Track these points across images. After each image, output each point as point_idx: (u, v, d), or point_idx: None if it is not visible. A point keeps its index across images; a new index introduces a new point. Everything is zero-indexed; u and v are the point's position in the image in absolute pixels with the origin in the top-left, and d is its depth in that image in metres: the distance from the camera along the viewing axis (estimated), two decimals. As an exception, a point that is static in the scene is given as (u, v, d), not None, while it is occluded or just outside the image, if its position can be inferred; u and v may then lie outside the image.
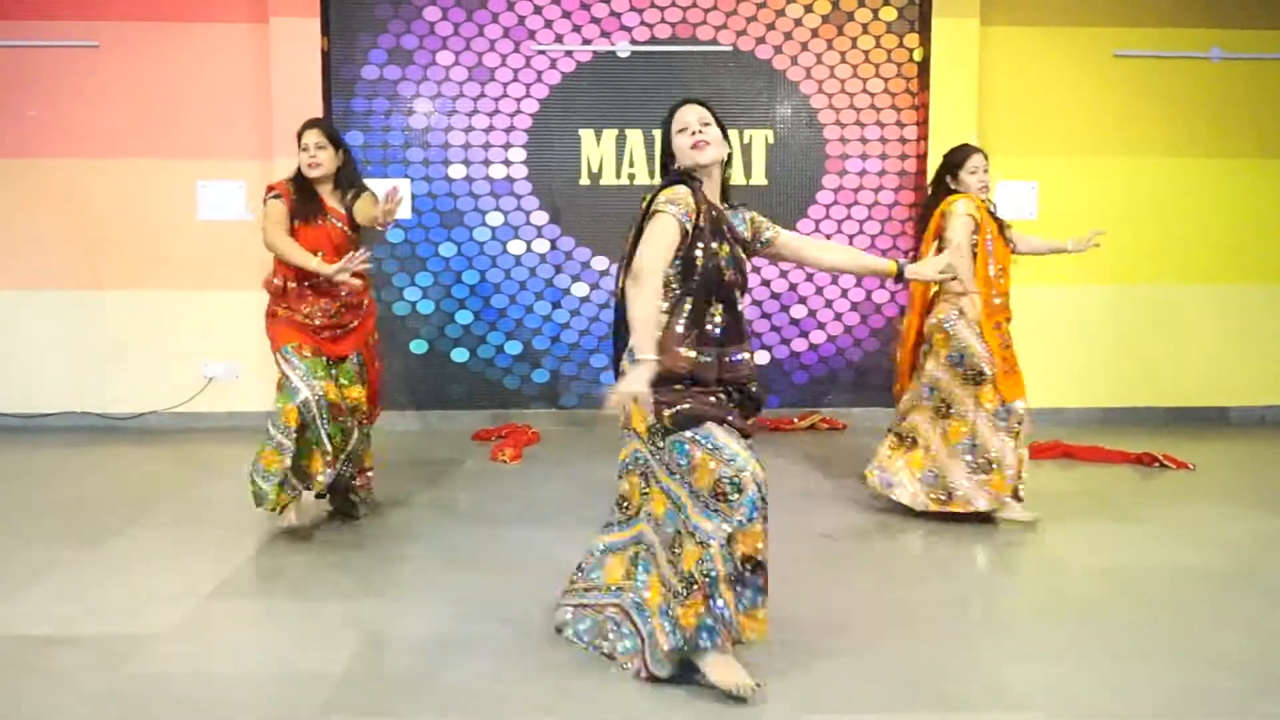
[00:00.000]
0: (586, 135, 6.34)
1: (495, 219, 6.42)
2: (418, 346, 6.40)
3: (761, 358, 6.53)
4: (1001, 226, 4.42)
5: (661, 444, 2.75)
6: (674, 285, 2.80)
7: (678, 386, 2.76)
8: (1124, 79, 6.46)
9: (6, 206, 6.26)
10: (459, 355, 6.47)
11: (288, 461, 3.94)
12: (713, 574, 2.61)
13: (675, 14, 6.34)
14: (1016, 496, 4.26)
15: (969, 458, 4.23)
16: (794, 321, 6.53)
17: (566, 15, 6.31)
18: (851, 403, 6.54)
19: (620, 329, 2.93)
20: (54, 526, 4.18)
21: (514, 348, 6.49)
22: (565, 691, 2.68)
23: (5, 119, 6.19)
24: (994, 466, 4.20)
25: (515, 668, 2.81)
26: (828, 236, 6.49)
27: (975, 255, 4.27)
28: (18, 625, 3.12)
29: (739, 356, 2.87)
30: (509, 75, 6.34)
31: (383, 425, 4.88)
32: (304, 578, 3.67)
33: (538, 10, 6.31)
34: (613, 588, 2.90)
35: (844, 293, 6.55)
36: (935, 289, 4.38)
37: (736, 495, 2.61)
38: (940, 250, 4.27)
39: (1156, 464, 5.31)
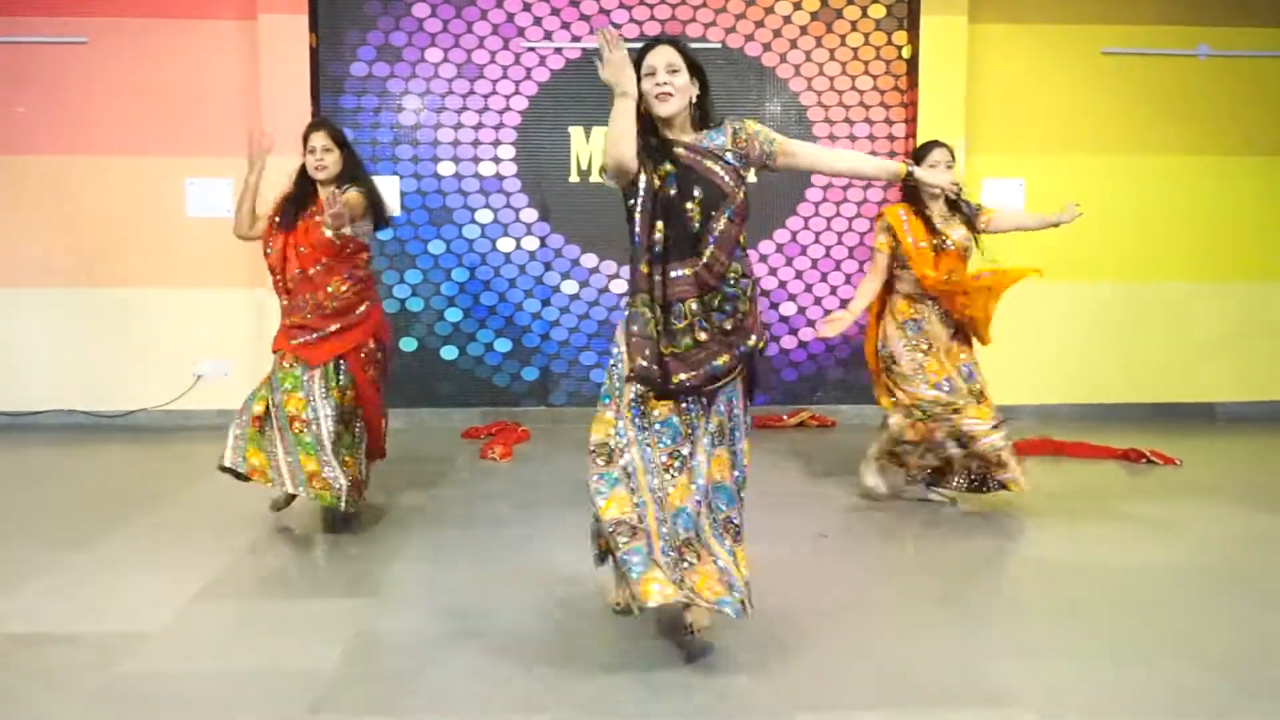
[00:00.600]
0: (576, 132, 6.34)
1: (484, 216, 6.42)
2: (407, 344, 6.40)
3: (751, 355, 6.53)
4: (967, 220, 4.43)
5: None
6: (633, 213, 2.85)
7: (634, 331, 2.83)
8: (1111, 76, 6.49)
9: (-6, 204, 6.24)
10: (448, 353, 6.47)
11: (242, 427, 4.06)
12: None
13: (664, 11, 6.34)
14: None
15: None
16: (784, 319, 6.55)
17: (555, 12, 6.31)
18: (841, 400, 6.56)
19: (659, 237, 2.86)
20: (44, 525, 4.17)
21: (503, 345, 6.49)
22: (555, 689, 2.68)
23: (-8, 116, 6.18)
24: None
25: (505, 666, 2.82)
26: (816, 235, 6.51)
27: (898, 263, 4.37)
28: (8, 624, 3.11)
29: (678, 272, 2.81)
30: (498, 72, 6.34)
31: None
32: (294, 576, 3.68)
33: (526, 7, 6.31)
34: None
35: (833, 290, 6.57)
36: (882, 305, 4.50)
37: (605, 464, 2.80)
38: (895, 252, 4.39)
39: (1144, 460, 5.34)
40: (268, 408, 4.06)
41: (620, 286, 6.39)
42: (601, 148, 2.84)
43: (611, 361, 2.95)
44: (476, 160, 6.38)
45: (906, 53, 6.41)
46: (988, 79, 6.38)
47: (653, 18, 6.33)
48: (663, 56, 2.84)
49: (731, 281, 2.85)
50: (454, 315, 6.47)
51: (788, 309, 6.55)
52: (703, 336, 2.81)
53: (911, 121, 6.37)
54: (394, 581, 3.56)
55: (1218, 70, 6.52)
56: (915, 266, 4.32)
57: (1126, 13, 6.47)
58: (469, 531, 4.12)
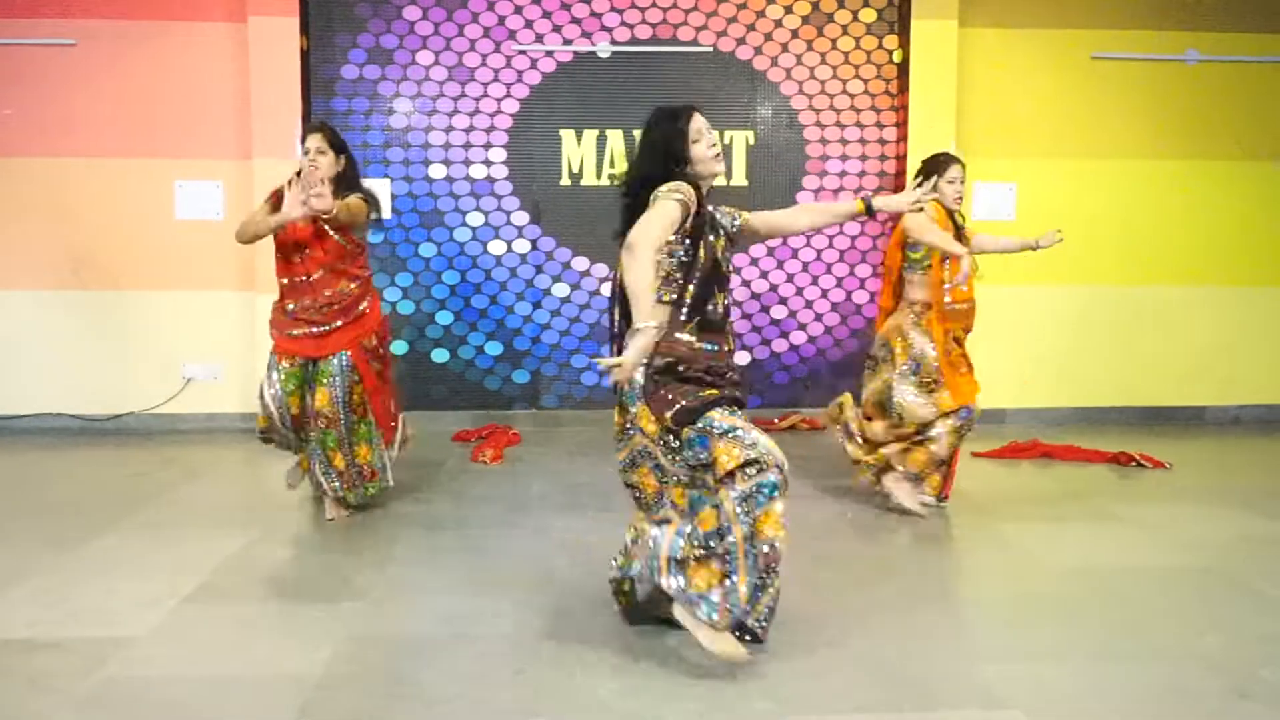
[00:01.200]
0: (567, 135, 6.33)
1: (476, 219, 6.41)
2: (398, 347, 6.38)
3: (742, 358, 6.55)
4: (960, 233, 4.40)
5: (676, 443, 2.80)
6: (677, 275, 2.88)
7: (679, 380, 2.82)
8: (1101, 81, 6.52)
9: (-19, 206, 6.21)
10: (439, 356, 6.46)
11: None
12: (733, 550, 2.68)
13: (656, 14, 6.34)
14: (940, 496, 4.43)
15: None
16: (774, 322, 6.55)
17: (547, 15, 6.31)
18: (826, 404, 6.55)
19: (617, 321, 2.94)
20: (31, 529, 4.14)
21: (494, 348, 6.48)
22: (546, 693, 2.68)
23: (-20, 117, 6.14)
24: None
25: (496, 669, 2.81)
26: (807, 238, 6.52)
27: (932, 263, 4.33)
28: (-6, 629, 3.09)
29: (712, 345, 2.92)
30: (489, 75, 6.33)
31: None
32: (283, 580, 3.66)
33: (518, 10, 6.30)
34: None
35: (824, 293, 6.57)
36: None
37: (757, 474, 2.67)
38: (904, 261, 4.40)
39: (1134, 463, 5.36)
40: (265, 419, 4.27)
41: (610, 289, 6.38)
42: (638, 237, 2.70)
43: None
44: (467, 163, 6.37)
45: (897, 57, 6.43)
46: (978, 83, 6.40)
47: (644, 21, 6.34)
48: (703, 121, 2.95)
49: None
50: (445, 318, 6.45)
51: (779, 312, 6.56)
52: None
53: (902, 125, 6.39)
54: (384, 584, 3.55)
55: (1206, 75, 6.56)
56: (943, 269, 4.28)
57: (1116, 18, 6.50)
58: (460, 534, 4.11)
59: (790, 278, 6.55)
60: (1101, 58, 6.50)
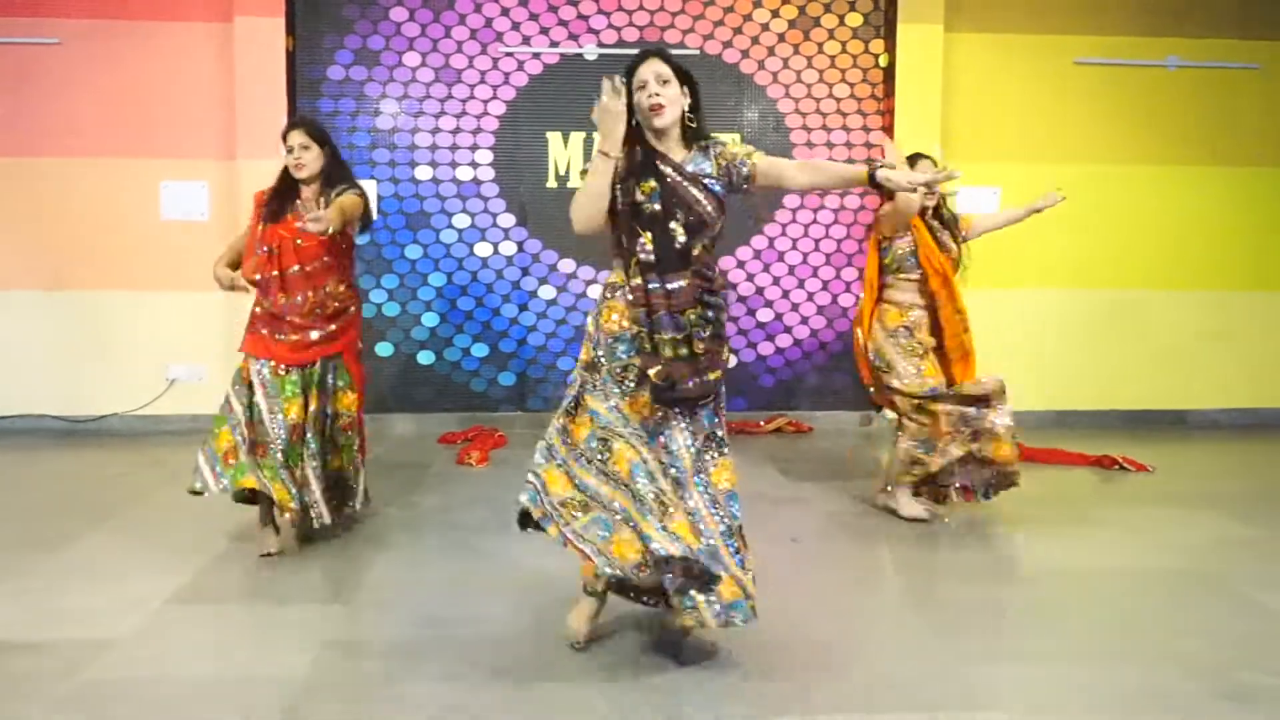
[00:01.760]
0: (554, 138, 6.33)
1: (462, 221, 6.41)
2: (383, 349, 6.37)
3: (729, 360, 6.55)
4: (945, 232, 4.40)
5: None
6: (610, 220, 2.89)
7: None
8: (1084, 86, 6.56)
9: (-37, 206, 6.17)
10: (425, 358, 6.45)
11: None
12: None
13: (643, 17, 6.35)
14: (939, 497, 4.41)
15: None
16: (760, 325, 6.57)
17: (534, 18, 6.31)
18: (817, 406, 6.59)
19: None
20: (12, 531, 4.11)
21: (481, 350, 6.48)
22: (531, 695, 2.68)
23: (-38, 117, 6.10)
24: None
25: (480, 672, 2.81)
26: (794, 241, 6.54)
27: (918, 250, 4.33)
28: (-26, 632, 3.07)
29: (675, 284, 2.78)
30: (476, 77, 6.33)
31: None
32: (267, 582, 3.64)
33: (505, 12, 6.30)
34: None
35: (810, 296, 6.59)
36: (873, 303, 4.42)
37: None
38: (884, 259, 4.38)
39: (1116, 466, 5.39)
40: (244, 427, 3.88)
41: (598, 291, 6.38)
42: (574, 204, 2.82)
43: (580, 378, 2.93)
44: (454, 165, 6.36)
45: (883, 61, 6.46)
46: (963, 88, 6.44)
47: (631, 24, 6.35)
48: (652, 68, 2.85)
49: (714, 291, 2.85)
50: (431, 320, 6.44)
51: (765, 315, 6.57)
52: (700, 347, 2.78)
53: (888, 129, 6.41)
54: (368, 587, 3.54)
55: (1187, 81, 6.61)
56: (928, 258, 4.28)
57: (1099, 24, 6.55)
58: (445, 537, 4.11)
59: (776, 280, 6.56)
60: (1084, 63, 6.54)
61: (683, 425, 2.83)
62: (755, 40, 6.42)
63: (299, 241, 3.88)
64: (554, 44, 6.34)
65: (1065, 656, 2.95)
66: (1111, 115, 6.60)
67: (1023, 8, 6.48)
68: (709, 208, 2.85)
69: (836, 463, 5.48)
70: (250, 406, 3.89)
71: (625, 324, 2.83)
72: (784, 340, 6.60)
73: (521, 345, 6.49)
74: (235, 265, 4.02)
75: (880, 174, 2.77)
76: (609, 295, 2.92)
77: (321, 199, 3.85)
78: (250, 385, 3.90)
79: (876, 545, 4.10)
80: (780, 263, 6.55)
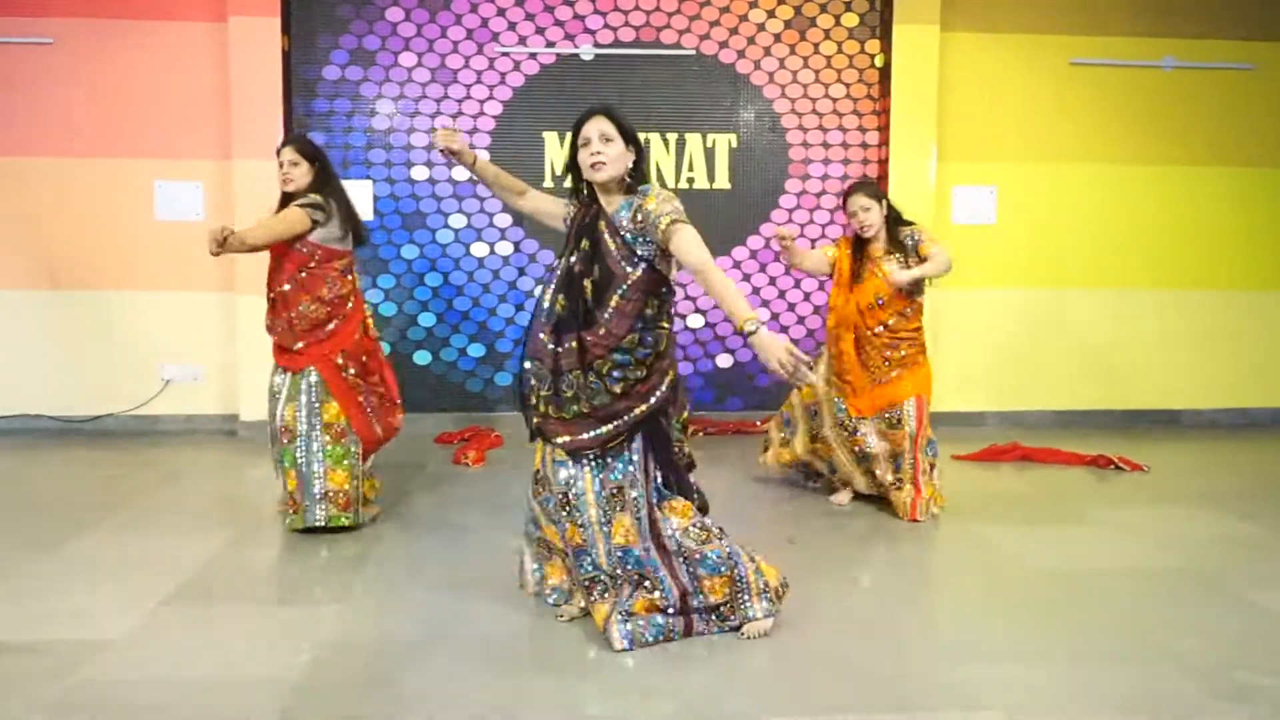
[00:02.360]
0: (550, 138, 6.33)
1: (458, 221, 6.40)
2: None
3: (724, 361, 6.56)
4: (890, 259, 4.38)
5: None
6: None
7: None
8: (1080, 86, 6.57)
9: (-42, 206, 6.15)
10: (421, 358, 6.44)
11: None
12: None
13: (639, 17, 6.35)
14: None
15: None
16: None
17: (530, 17, 6.31)
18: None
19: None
20: (7, 530, 4.10)
21: (477, 351, 6.47)
22: (526, 694, 2.67)
23: (-44, 116, 6.09)
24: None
25: (476, 671, 2.80)
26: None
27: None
28: (-33, 632, 3.06)
29: (568, 344, 2.90)
30: (472, 77, 6.33)
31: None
32: (262, 583, 3.64)
33: (501, 12, 6.30)
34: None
35: (806, 296, 6.59)
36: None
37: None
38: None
39: (1112, 466, 5.39)
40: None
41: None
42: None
43: None
44: (450, 165, 6.36)
45: (879, 61, 6.46)
46: (959, 88, 6.45)
47: (627, 24, 6.34)
48: (596, 126, 2.92)
49: (625, 348, 2.88)
50: (427, 320, 6.44)
51: (761, 315, 6.57)
52: (585, 409, 2.90)
53: (884, 129, 6.42)
54: (364, 587, 3.53)
55: (1183, 81, 6.62)
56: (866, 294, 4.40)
57: (1095, 24, 6.56)
58: (441, 536, 4.10)
59: (773, 280, 6.56)
60: (1080, 63, 6.55)
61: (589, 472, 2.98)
62: (751, 40, 6.42)
63: (280, 260, 4.08)
64: (550, 44, 6.33)
65: (1061, 656, 2.95)
66: (1107, 115, 6.61)
67: (1018, 8, 6.49)
68: (619, 259, 2.90)
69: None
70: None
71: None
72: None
73: (518, 345, 6.48)
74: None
75: (752, 340, 2.66)
76: None
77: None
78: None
79: (872, 545, 4.10)
80: (776, 262, 6.55)
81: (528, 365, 3.00)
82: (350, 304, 4.14)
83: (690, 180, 6.40)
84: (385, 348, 6.36)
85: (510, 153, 6.35)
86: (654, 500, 2.99)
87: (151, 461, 5.46)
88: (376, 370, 4.26)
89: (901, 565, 3.87)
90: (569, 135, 3.03)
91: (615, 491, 2.94)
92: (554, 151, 6.34)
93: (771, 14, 6.41)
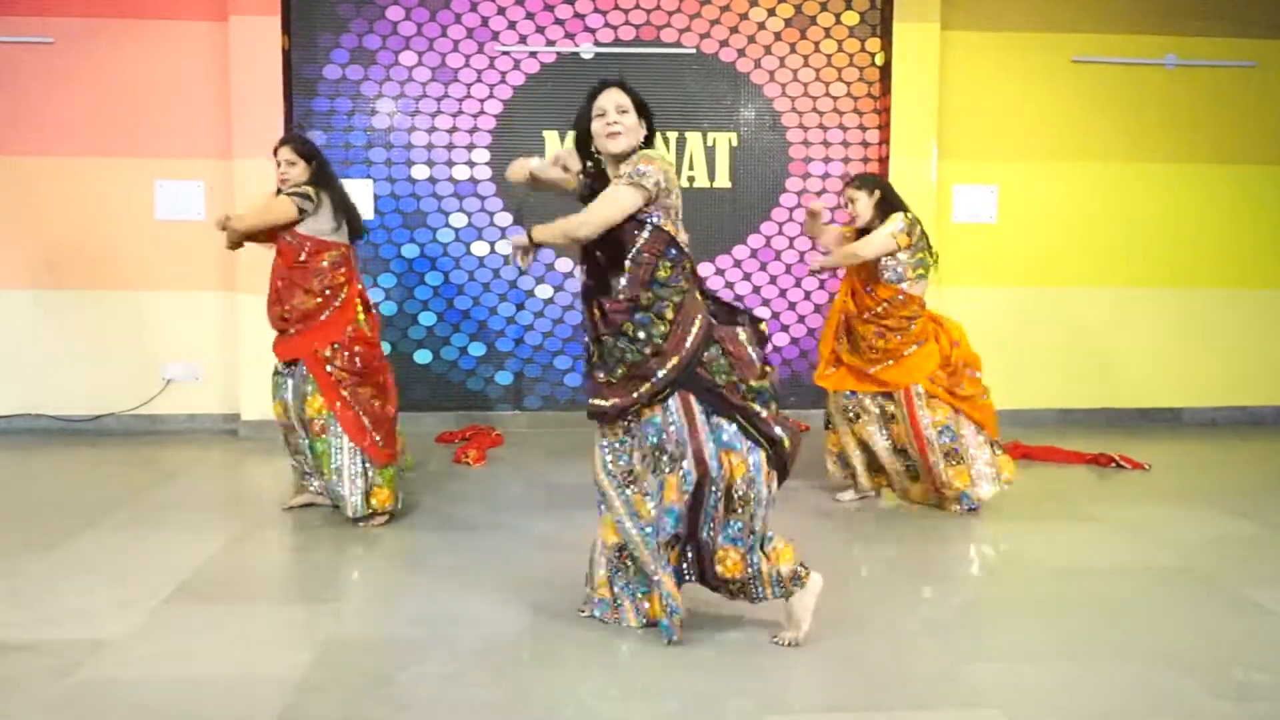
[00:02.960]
0: (550, 137, 6.33)
1: (459, 220, 6.40)
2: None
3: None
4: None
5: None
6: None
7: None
8: (1082, 84, 6.56)
9: (-41, 205, 6.16)
10: (422, 357, 6.44)
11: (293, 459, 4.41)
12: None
13: (639, 16, 6.35)
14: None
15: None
16: (738, 299, 6.55)
17: (530, 16, 6.31)
18: (815, 404, 6.57)
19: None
20: (8, 530, 4.10)
21: (478, 350, 6.47)
22: (527, 694, 2.67)
23: (-43, 116, 6.09)
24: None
25: (476, 671, 2.81)
26: (790, 240, 6.54)
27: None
28: (-32, 632, 3.06)
29: (595, 313, 2.99)
30: (472, 76, 6.32)
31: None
32: (263, 582, 3.64)
33: (501, 11, 6.30)
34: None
35: (807, 295, 6.59)
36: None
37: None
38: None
39: (1113, 464, 5.39)
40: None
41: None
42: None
43: None
44: (450, 164, 6.36)
45: (880, 59, 6.45)
46: (960, 86, 6.44)
47: (627, 22, 6.34)
48: (612, 98, 2.99)
49: (644, 307, 2.92)
50: (428, 319, 6.44)
51: (762, 313, 6.56)
52: (621, 371, 2.94)
53: (885, 128, 6.41)
54: (365, 586, 3.54)
55: (1185, 79, 6.61)
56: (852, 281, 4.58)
57: (1097, 22, 6.55)
58: (441, 535, 4.11)
59: (773, 279, 6.56)
60: (1082, 61, 6.54)
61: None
62: (751, 39, 6.42)
63: (277, 259, 4.21)
64: (550, 43, 6.33)
65: (1061, 654, 2.95)
66: (1110, 113, 6.60)
67: (1020, 6, 6.48)
68: (622, 225, 2.94)
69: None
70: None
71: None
72: (780, 339, 6.60)
73: (518, 344, 6.49)
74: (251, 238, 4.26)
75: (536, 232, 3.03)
76: None
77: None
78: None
79: (873, 543, 4.10)
80: (777, 261, 6.55)
81: (585, 341, 3.10)
82: (343, 296, 4.16)
83: (691, 179, 6.40)
84: (386, 347, 6.37)
85: (510, 152, 6.34)
86: (710, 451, 2.91)
87: (152, 461, 5.47)
88: (377, 369, 4.25)
89: (902, 563, 3.87)
90: (576, 116, 3.04)
91: (657, 450, 2.94)
92: (554, 150, 6.32)
93: (772, 13, 6.41)
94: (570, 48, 6.33)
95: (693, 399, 2.93)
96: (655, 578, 2.95)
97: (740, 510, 2.92)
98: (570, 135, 3.14)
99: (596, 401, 2.99)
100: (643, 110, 3.00)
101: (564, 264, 6.44)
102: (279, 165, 4.14)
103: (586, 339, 3.07)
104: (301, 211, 4.05)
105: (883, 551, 4.01)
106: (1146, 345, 6.75)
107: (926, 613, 3.34)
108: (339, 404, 4.09)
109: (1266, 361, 6.83)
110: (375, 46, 6.26)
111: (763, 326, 3.07)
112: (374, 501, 4.16)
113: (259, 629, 3.13)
